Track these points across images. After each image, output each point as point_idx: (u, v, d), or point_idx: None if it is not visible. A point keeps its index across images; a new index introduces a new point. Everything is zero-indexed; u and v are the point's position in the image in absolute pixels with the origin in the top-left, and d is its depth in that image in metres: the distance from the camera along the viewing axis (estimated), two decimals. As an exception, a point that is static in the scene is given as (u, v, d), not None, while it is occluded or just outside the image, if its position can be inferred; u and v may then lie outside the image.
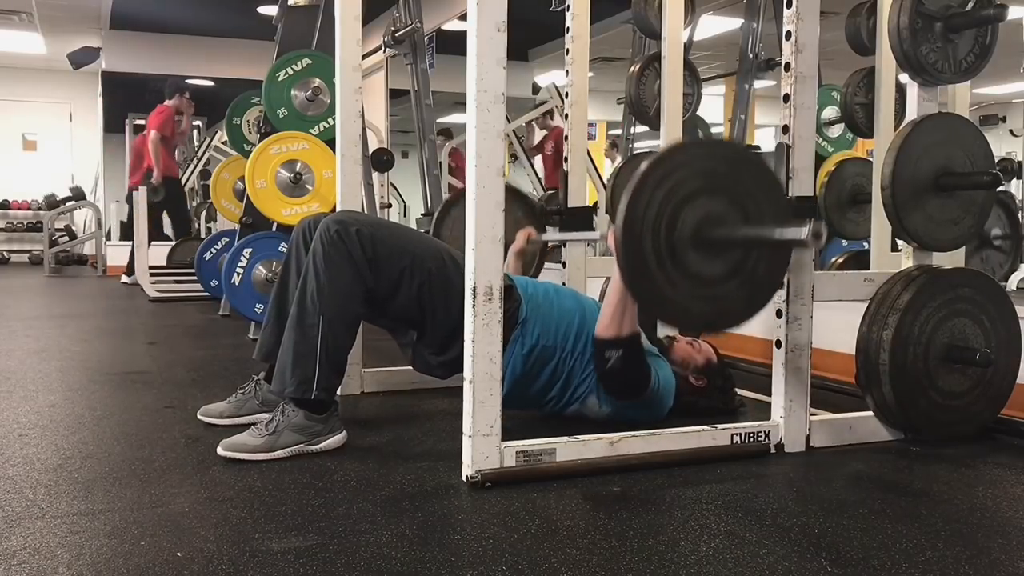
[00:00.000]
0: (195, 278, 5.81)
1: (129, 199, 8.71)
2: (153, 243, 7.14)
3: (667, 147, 2.01)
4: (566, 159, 3.15)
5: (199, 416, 2.36)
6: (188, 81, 10.44)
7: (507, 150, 6.13)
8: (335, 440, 2.11)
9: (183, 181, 9.02)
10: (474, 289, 1.80)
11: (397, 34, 4.53)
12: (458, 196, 3.05)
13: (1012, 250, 3.23)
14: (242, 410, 2.35)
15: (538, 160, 7.30)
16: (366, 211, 4.63)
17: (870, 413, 2.28)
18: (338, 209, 2.70)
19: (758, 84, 5.09)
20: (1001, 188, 2.55)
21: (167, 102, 7.49)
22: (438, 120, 5.33)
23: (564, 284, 3.00)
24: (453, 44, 4.75)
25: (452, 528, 1.62)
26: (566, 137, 3.18)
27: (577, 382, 2.32)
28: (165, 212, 7.97)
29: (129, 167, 8.75)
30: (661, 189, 1.87)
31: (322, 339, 2.08)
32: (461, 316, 1.86)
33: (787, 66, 2.11)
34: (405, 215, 9.88)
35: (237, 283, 4.09)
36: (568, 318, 2.33)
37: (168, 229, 9.05)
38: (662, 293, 1.89)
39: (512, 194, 3.18)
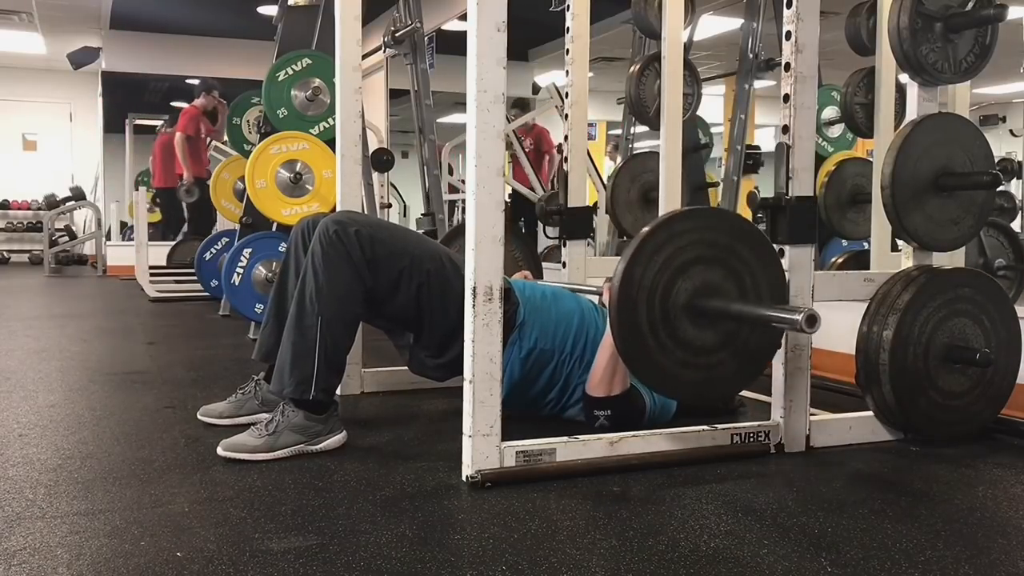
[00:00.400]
0: (195, 278, 5.81)
1: (161, 198, 8.71)
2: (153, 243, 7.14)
3: (671, 213, 2.05)
4: (565, 159, 3.15)
5: (199, 416, 2.36)
6: (188, 81, 10.47)
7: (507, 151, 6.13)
8: (335, 440, 2.11)
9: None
10: (474, 289, 1.80)
11: (397, 34, 4.52)
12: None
13: (1017, 279, 3.25)
14: (242, 410, 2.35)
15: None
16: (366, 211, 4.63)
17: (870, 413, 2.28)
18: (338, 209, 2.70)
19: (758, 84, 5.08)
20: (1001, 188, 2.55)
21: (195, 102, 7.45)
22: (438, 120, 5.32)
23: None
24: (453, 44, 4.75)
25: (452, 528, 1.62)
26: (566, 137, 3.17)
27: (576, 383, 2.32)
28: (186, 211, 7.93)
29: (155, 168, 8.69)
30: (660, 255, 1.92)
31: (321, 339, 2.08)
32: (459, 318, 1.86)
33: (787, 66, 2.11)
34: (405, 215, 9.88)
35: (237, 283, 4.09)
36: (567, 321, 2.33)
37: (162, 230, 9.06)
38: (653, 358, 1.94)
39: (513, 235, 3.21)
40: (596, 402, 2.20)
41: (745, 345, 2.00)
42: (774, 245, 2.13)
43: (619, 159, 5.23)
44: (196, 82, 7.76)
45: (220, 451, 2.00)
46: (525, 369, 2.28)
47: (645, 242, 1.92)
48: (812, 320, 1.78)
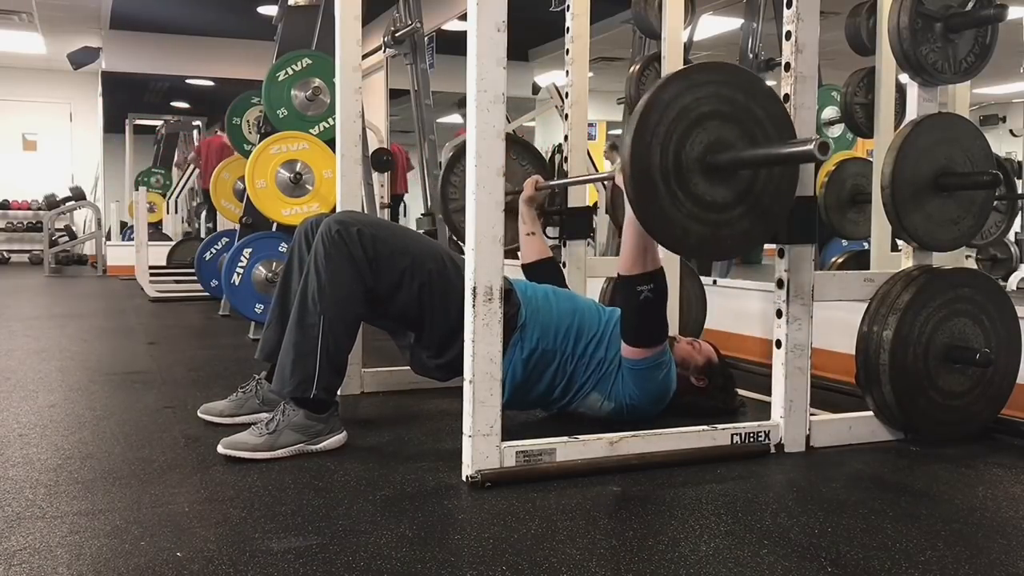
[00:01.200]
0: (195, 278, 5.81)
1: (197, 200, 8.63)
2: (153, 243, 7.14)
3: (686, 67, 2.02)
4: (565, 159, 3.15)
5: (199, 414, 2.37)
6: (188, 81, 10.48)
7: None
8: (335, 440, 2.11)
9: (184, 182, 9.04)
10: (474, 289, 1.80)
11: (397, 34, 4.53)
12: (458, 155, 3.02)
13: (1008, 211, 3.23)
14: (242, 409, 2.35)
15: None
16: (366, 211, 4.63)
17: (870, 413, 2.28)
18: (338, 209, 2.70)
19: (758, 84, 5.08)
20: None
21: None
22: (438, 120, 5.33)
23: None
24: (453, 44, 4.75)
25: (452, 528, 1.62)
26: (566, 137, 3.17)
27: (580, 382, 2.32)
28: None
29: (206, 169, 8.63)
30: (674, 107, 1.89)
31: (322, 339, 2.08)
32: (460, 318, 1.86)
33: (787, 66, 2.11)
34: (405, 215, 9.88)
35: (237, 283, 4.09)
36: (568, 320, 2.33)
37: (169, 229, 9.06)
38: (663, 210, 1.90)
39: (517, 143, 3.18)
40: (637, 279, 2.16)
41: (758, 202, 1.98)
42: (774, 245, 2.13)
43: (618, 160, 5.22)
44: (196, 82, 7.75)
45: (220, 449, 2.00)
46: (528, 370, 2.28)
47: (662, 89, 1.89)
48: (824, 147, 1.77)
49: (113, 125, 10.99)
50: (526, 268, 2.80)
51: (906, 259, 2.36)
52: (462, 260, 2.17)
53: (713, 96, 1.93)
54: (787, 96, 2.10)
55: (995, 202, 3.02)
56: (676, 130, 1.90)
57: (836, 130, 4.35)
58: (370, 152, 5.43)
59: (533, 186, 2.82)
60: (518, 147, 3.14)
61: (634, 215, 2.01)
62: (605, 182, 2.54)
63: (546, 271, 2.75)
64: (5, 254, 11.25)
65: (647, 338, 2.25)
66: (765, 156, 1.94)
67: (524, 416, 2.44)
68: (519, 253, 2.88)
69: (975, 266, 4.66)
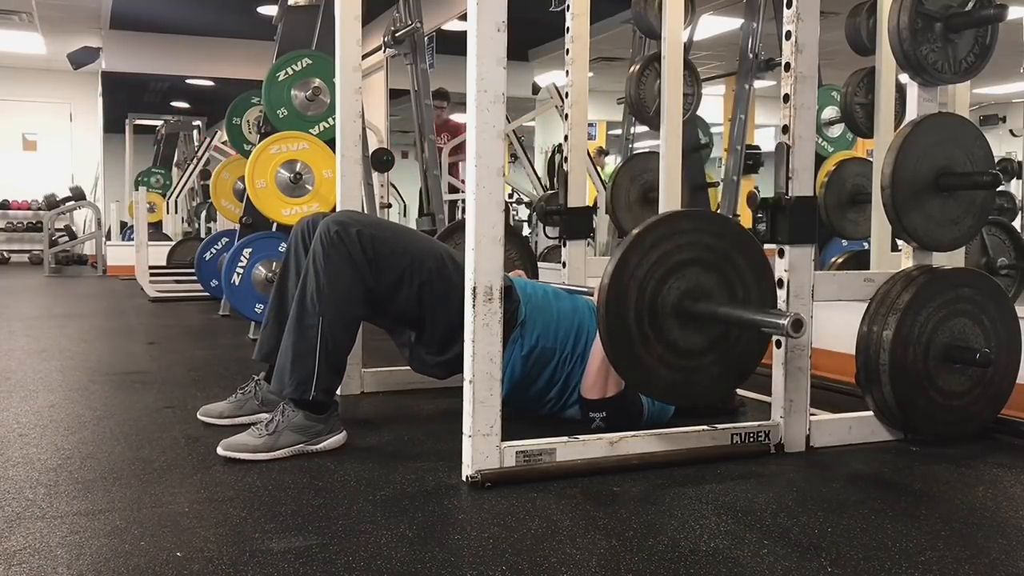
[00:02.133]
0: (195, 278, 5.81)
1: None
2: (153, 243, 7.15)
3: (673, 212, 2.08)
4: (565, 159, 3.15)
5: (199, 416, 2.36)
6: (188, 81, 10.47)
7: (507, 150, 6.13)
8: (335, 440, 2.11)
9: (184, 182, 9.03)
10: (474, 289, 1.80)
11: (397, 34, 4.52)
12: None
13: (1018, 277, 3.26)
14: (242, 410, 2.35)
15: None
16: (366, 211, 4.62)
17: (870, 413, 2.28)
18: (338, 209, 2.70)
19: (758, 84, 5.08)
20: (1001, 188, 2.55)
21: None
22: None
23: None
24: (453, 44, 4.74)
25: (452, 528, 1.62)
26: (566, 137, 3.17)
27: (576, 384, 2.32)
28: None
29: None
30: (658, 249, 1.95)
31: (321, 340, 2.08)
32: (460, 316, 1.86)
33: (787, 66, 2.11)
34: (405, 215, 9.88)
35: (237, 283, 4.09)
36: (567, 320, 2.33)
37: (169, 229, 9.06)
38: (634, 351, 1.96)
39: (509, 233, 3.20)
40: (591, 404, 2.21)
41: (728, 354, 2.03)
42: (774, 245, 2.13)
43: (615, 160, 5.22)
44: (196, 82, 7.75)
45: (220, 451, 2.00)
46: (527, 367, 2.28)
47: (645, 234, 1.94)
48: (798, 325, 1.79)
49: (113, 125, 10.98)
50: None
51: (906, 259, 2.36)
52: (461, 258, 2.18)
53: (693, 244, 1.99)
54: (787, 96, 2.10)
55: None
56: (655, 275, 1.95)
57: (836, 130, 4.35)
58: (370, 152, 5.42)
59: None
60: (509, 236, 3.22)
61: (601, 337, 2.04)
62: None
63: None
64: (5, 254, 11.24)
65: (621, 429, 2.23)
66: (739, 319, 1.97)
67: (524, 416, 2.44)
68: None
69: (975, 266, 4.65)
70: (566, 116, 3.18)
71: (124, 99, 10.93)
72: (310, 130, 4.12)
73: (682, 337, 1.98)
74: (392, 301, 2.22)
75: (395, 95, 7.57)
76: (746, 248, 2.04)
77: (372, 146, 5.92)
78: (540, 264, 3.97)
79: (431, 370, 2.38)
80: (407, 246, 2.23)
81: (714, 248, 2.00)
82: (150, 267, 6.83)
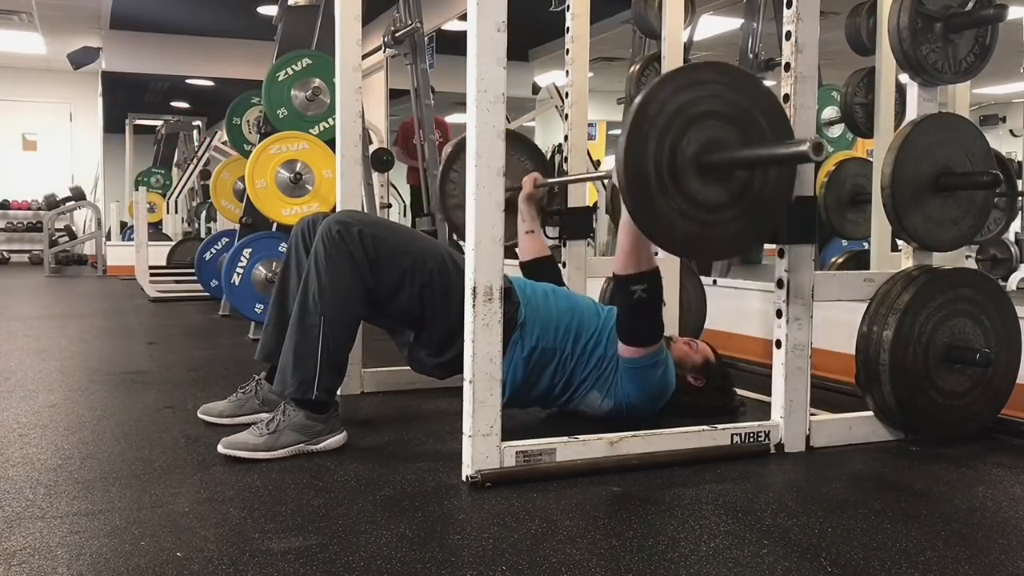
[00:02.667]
0: (195, 278, 5.81)
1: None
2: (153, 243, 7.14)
3: (689, 65, 2.02)
4: (565, 159, 3.14)
5: (199, 415, 2.37)
6: (188, 81, 10.47)
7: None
8: (335, 440, 2.11)
9: (184, 182, 9.04)
10: (474, 289, 1.80)
11: (397, 34, 4.52)
12: (457, 152, 3.00)
13: (1008, 208, 3.23)
14: (242, 409, 2.35)
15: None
16: (366, 211, 4.63)
17: (870, 413, 2.28)
18: (338, 209, 2.70)
19: (758, 84, 5.08)
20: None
21: None
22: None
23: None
24: (453, 44, 4.74)
25: (452, 528, 1.62)
26: (566, 137, 3.17)
27: (579, 380, 2.33)
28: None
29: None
30: (675, 100, 1.89)
31: (323, 340, 2.08)
32: (460, 318, 1.86)
33: (787, 66, 2.11)
34: (405, 215, 9.88)
35: (237, 283, 4.09)
36: (567, 319, 2.33)
37: (169, 229, 9.06)
38: (653, 201, 1.90)
39: (516, 140, 3.17)
40: (630, 279, 2.17)
41: (752, 204, 1.98)
42: (774, 245, 2.13)
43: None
44: (196, 82, 7.73)
45: (220, 449, 2.00)
46: (528, 368, 2.28)
47: (664, 83, 1.90)
48: (819, 148, 1.76)
49: (113, 125, 10.98)
50: (524, 266, 2.80)
51: (906, 259, 2.36)
52: (462, 259, 2.17)
53: (714, 96, 1.93)
54: (787, 96, 2.10)
55: (995, 199, 3.03)
56: (673, 126, 1.89)
57: (836, 130, 4.35)
58: (370, 152, 5.43)
59: (532, 183, 2.82)
60: (516, 143, 3.13)
61: (628, 213, 2.01)
62: (604, 180, 2.54)
63: (544, 270, 2.75)
64: (5, 254, 11.25)
65: (642, 337, 2.25)
66: (759, 156, 1.94)
67: (524, 416, 2.44)
68: (517, 251, 2.88)
69: (975, 266, 4.66)
70: (566, 116, 3.18)
71: (124, 99, 10.93)
72: (310, 130, 4.12)
73: (703, 190, 1.93)
74: (393, 301, 2.22)
75: (395, 95, 7.57)
76: (766, 104, 1.99)
77: (372, 146, 5.93)
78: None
79: (430, 371, 2.38)
80: (408, 246, 2.23)
81: (734, 102, 1.95)
82: (150, 267, 6.83)
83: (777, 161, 1.96)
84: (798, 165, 2.04)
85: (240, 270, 4.09)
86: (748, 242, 2.07)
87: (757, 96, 1.99)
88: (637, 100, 1.89)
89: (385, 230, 2.23)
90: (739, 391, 2.60)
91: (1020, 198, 4.05)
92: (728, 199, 1.97)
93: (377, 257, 2.15)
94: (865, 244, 3.78)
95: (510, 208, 3.00)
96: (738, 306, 3.71)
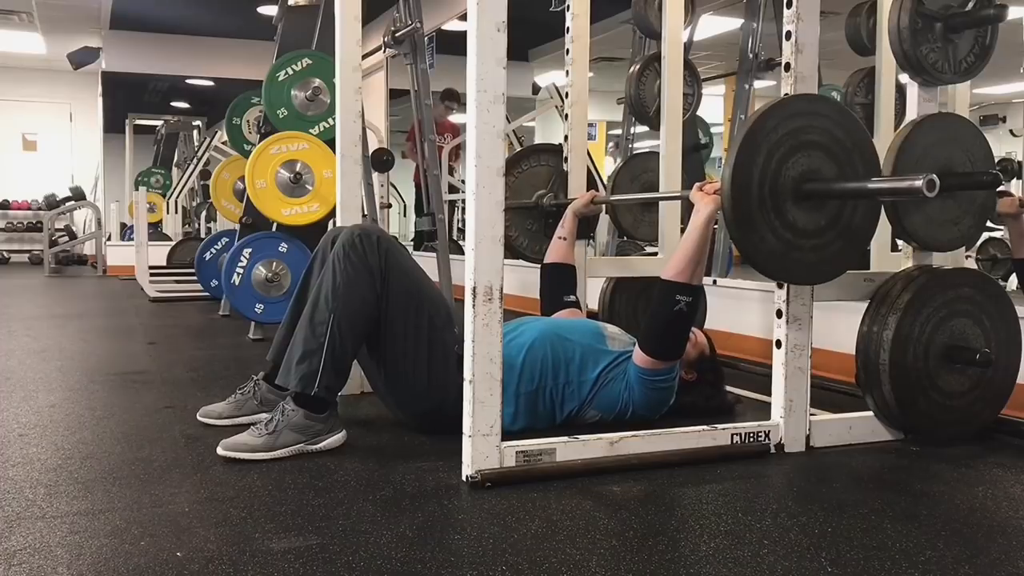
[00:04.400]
0: (195, 278, 5.81)
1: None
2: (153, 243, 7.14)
3: (791, 96, 2.06)
4: (565, 159, 3.14)
5: (198, 417, 2.37)
6: (188, 81, 10.47)
7: (507, 150, 6.12)
8: (335, 440, 2.11)
9: (184, 182, 9.04)
10: (474, 289, 1.80)
11: (397, 34, 4.51)
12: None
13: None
14: (241, 410, 2.35)
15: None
16: (366, 211, 4.62)
17: (870, 413, 2.28)
18: (338, 209, 2.72)
19: (758, 84, 5.07)
20: (1001, 188, 2.56)
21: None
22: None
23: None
24: (453, 44, 4.74)
25: (452, 528, 1.62)
26: (566, 137, 3.17)
27: (578, 403, 2.32)
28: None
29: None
30: (777, 133, 1.94)
31: (330, 337, 2.08)
32: (439, 372, 1.88)
33: (787, 66, 2.11)
34: (405, 215, 9.88)
35: (237, 283, 4.08)
36: (541, 358, 2.29)
37: (169, 229, 9.06)
38: (763, 238, 1.94)
39: (547, 153, 3.17)
40: (680, 287, 2.18)
41: (848, 225, 2.03)
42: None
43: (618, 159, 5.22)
44: (196, 82, 7.72)
45: (220, 451, 2.00)
46: (523, 413, 2.27)
47: (763, 120, 1.95)
48: (932, 184, 1.77)
49: (113, 125, 10.97)
50: (545, 268, 2.83)
51: (906, 259, 2.36)
52: (456, 317, 2.18)
53: (822, 129, 1.98)
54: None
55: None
56: (779, 149, 1.94)
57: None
58: (370, 152, 5.43)
59: (589, 199, 2.86)
60: (548, 155, 3.16)
61: (702, 224, 2.09)
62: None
63: (562, 275, 2.77)
64: (5, 254, 11.24)
65: (665, 350, 2.26)
66: (870, 189, 1.97)
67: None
68: (546, 254, 2.90)
69: (975, 266, 4.65)
70: (566, 116, 3.18)
71: (124, 99, 10.92)
72: (310, 130, 4.12)
73: (802, 217, 1.98)
74: (386, 320, 2.18)
75: (395, 95, 7.57)
76: (852, 127, 2.04)
77: (372, 146, 5.93)
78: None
79: (410, 421, 2.33)
80: (419, 280, 2.25)
81: (830, 132, 2.00)
82: (150, 267, 6.83)
83: (890, 194, 1.99)
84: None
85: (240, 270, 4.08)
86: (831, 271, 2.10)
87: (858, 136, 2.05)
88: (737, 143, 1.95)
89: (403, 255, 2.25)
90: (739, 391, 2.61)
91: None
92: (820, 227, 2.01)
93: (389, 269, 2.17)
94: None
95: (549, 215, 3.04)
96: (738, 306, 3.72)
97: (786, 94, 2.07)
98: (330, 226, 3.87)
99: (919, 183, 1.77)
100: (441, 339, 2.20)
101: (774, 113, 1.95)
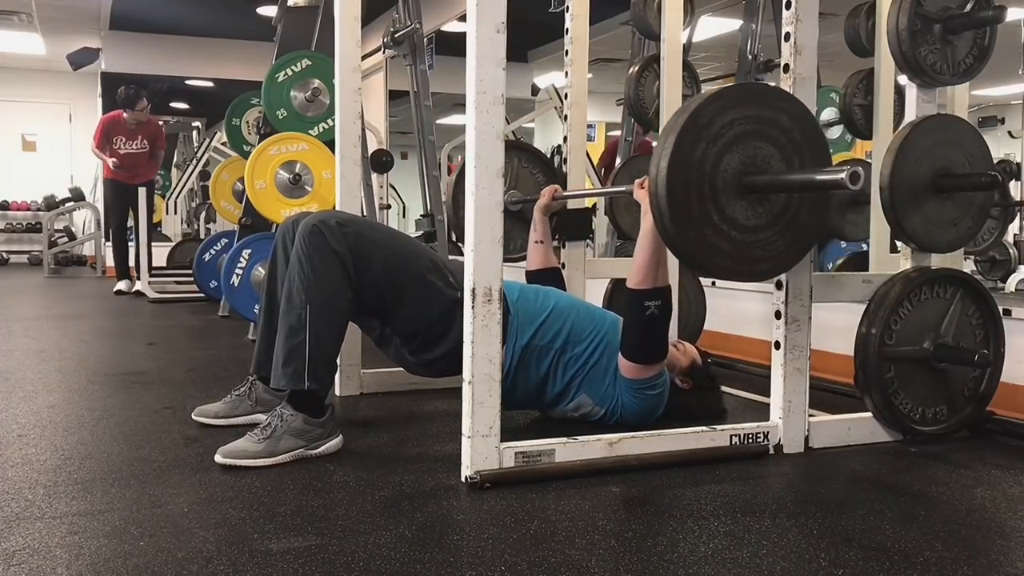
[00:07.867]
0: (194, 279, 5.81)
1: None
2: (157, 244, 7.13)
3: (728, 87, 2.02)
4: (565, 160, 3.15)
5: (193, 416, 2.36)
6: (188, 82, 10.47)
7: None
8: (333, 444, 2.11)
9: (183, 183, 9.04)
10: (473, 290, 1.80)
11: (396, 35, 4.52)
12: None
13: (1001, 218, 3.23)
14: (237, 411, 2.35)
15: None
16: (365, 212, 4.63)
17: (869, 414, 2.28)
18: (338, 209, 2.72)
19: (757, 85, 5.08)
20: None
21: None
22: (437, 121, 5.33)
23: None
24: (453, 45, 4.75)
25: (451, 529, 1.62)
26: (565, 138, 3.18)
27: (567, 381, 2.33)
28: None
29: None
30: (712, 127, 1.89)
31: (310, 328, 2.08)
32: (440, 315, 1.85)
33: (786, 67, 2.11)
34: (404, 216, 9.89)
35: (236, 284, 4.09)
36: (558, 320, 2.32)
37: (168, 229, 9.06)
38: (699, 232, 1.89)
39: (529, 153, 3.17)
40: (646, 294, 2.18)
41: (790, 224, 1.99)
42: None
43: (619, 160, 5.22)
44: (196, 83, 7.72)
45: (219, 459, 1.98)
46: (515, 369, 2.28)
47: (698, 113, 1.90)
48: (856, 177, 1.76)
49: (113, 126, 10.95)
50: (530, 275, 2.82)
51: (905, 260, 2.37)
52: (442, 261, 2.16)
53: (752, 118, 1.94)
54: (786, 97, 2.10)
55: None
56: (712, 149, 1.90)
57: (835, 131, 4.35)
58: (369, 153, 5.43)
59: (551, 195, 2.85)
60: (529, 155, 3.14)
61: (652, 227, 2.03)
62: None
63: (548, 279, 2.77)
64: (4, 255, 11.24)
65: (646, 355, 2.26)
66: (794, 182, 1.94)
67: (523, 417, 2.44)
68: (526, 260, 2.89)
69: (973, 268, 4.66)
70: (565, 117, 3.18)
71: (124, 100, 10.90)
72: (309, 131, 4.13)
73: (743, 213, 1.94)
74: (371, 287, 2.20)
75: (395, 96, 7.57)
76: (799, 117, 1.99)
77: (371, 147, 5.93)
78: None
79: (415, 368, 2.37)
80: (388, 242, 2.25)
81: (770, 120, 1.95)
82: (149, 267, 6.82)
83: (814, 188, 1.96)
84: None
85: (239, 271, 4.09)
86: (782, 265, 2.07)
87: (790, 110, 1.98)
88: (674, 132, 1.89)
89: (364, 225, 2.26)
90: (738, 392, 2.61)
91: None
92: (765, 221, 1.97)
93: (357, 245, 2.16)
94: (864, 245, 3.78)
95: (523, 218, 3.02)
96: (737, 307, 3.72)
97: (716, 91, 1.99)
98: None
99: (842, 176, 1.77)
100: (440, 293, 2.20)
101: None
